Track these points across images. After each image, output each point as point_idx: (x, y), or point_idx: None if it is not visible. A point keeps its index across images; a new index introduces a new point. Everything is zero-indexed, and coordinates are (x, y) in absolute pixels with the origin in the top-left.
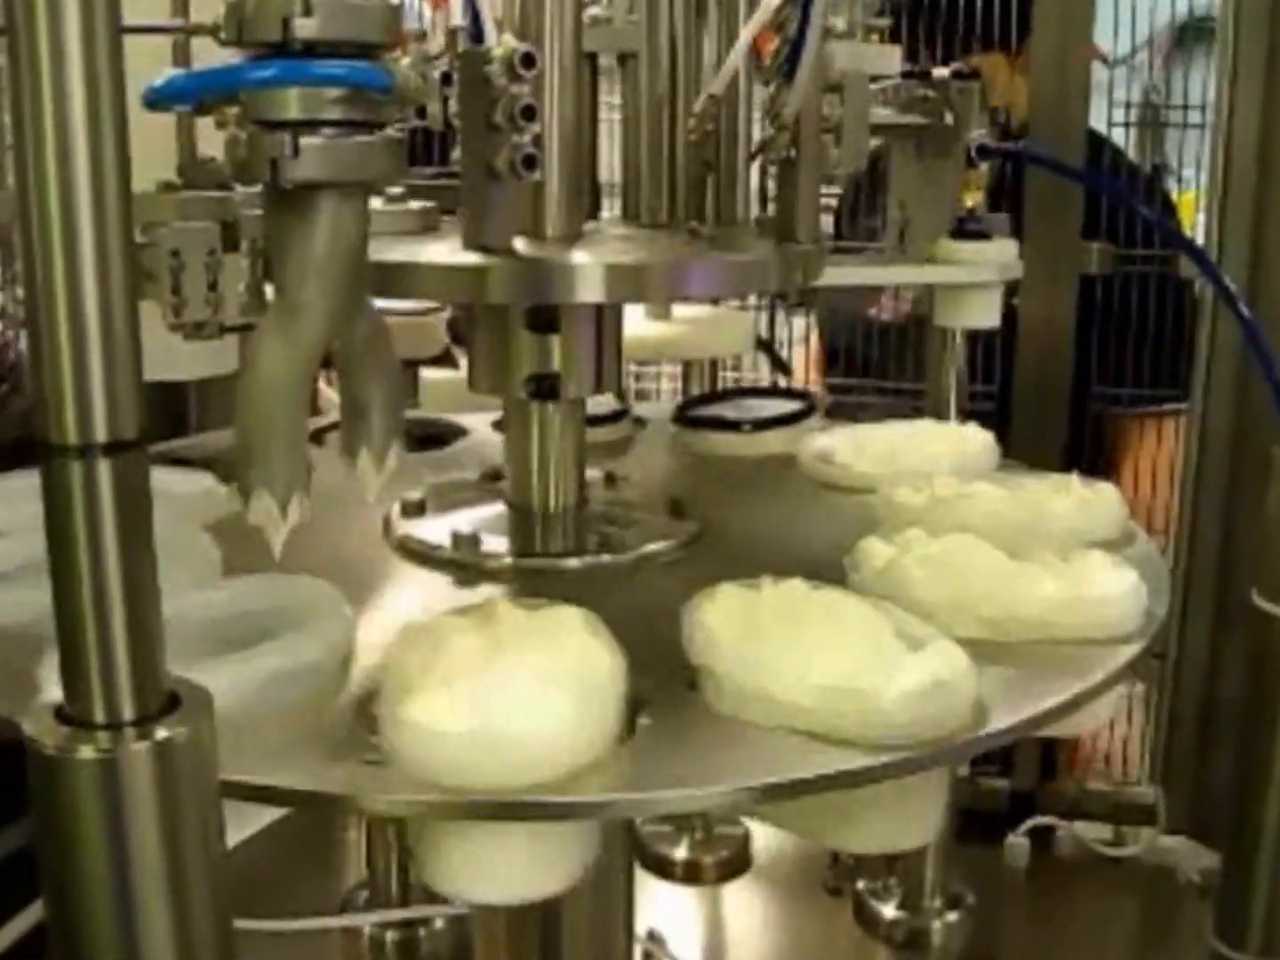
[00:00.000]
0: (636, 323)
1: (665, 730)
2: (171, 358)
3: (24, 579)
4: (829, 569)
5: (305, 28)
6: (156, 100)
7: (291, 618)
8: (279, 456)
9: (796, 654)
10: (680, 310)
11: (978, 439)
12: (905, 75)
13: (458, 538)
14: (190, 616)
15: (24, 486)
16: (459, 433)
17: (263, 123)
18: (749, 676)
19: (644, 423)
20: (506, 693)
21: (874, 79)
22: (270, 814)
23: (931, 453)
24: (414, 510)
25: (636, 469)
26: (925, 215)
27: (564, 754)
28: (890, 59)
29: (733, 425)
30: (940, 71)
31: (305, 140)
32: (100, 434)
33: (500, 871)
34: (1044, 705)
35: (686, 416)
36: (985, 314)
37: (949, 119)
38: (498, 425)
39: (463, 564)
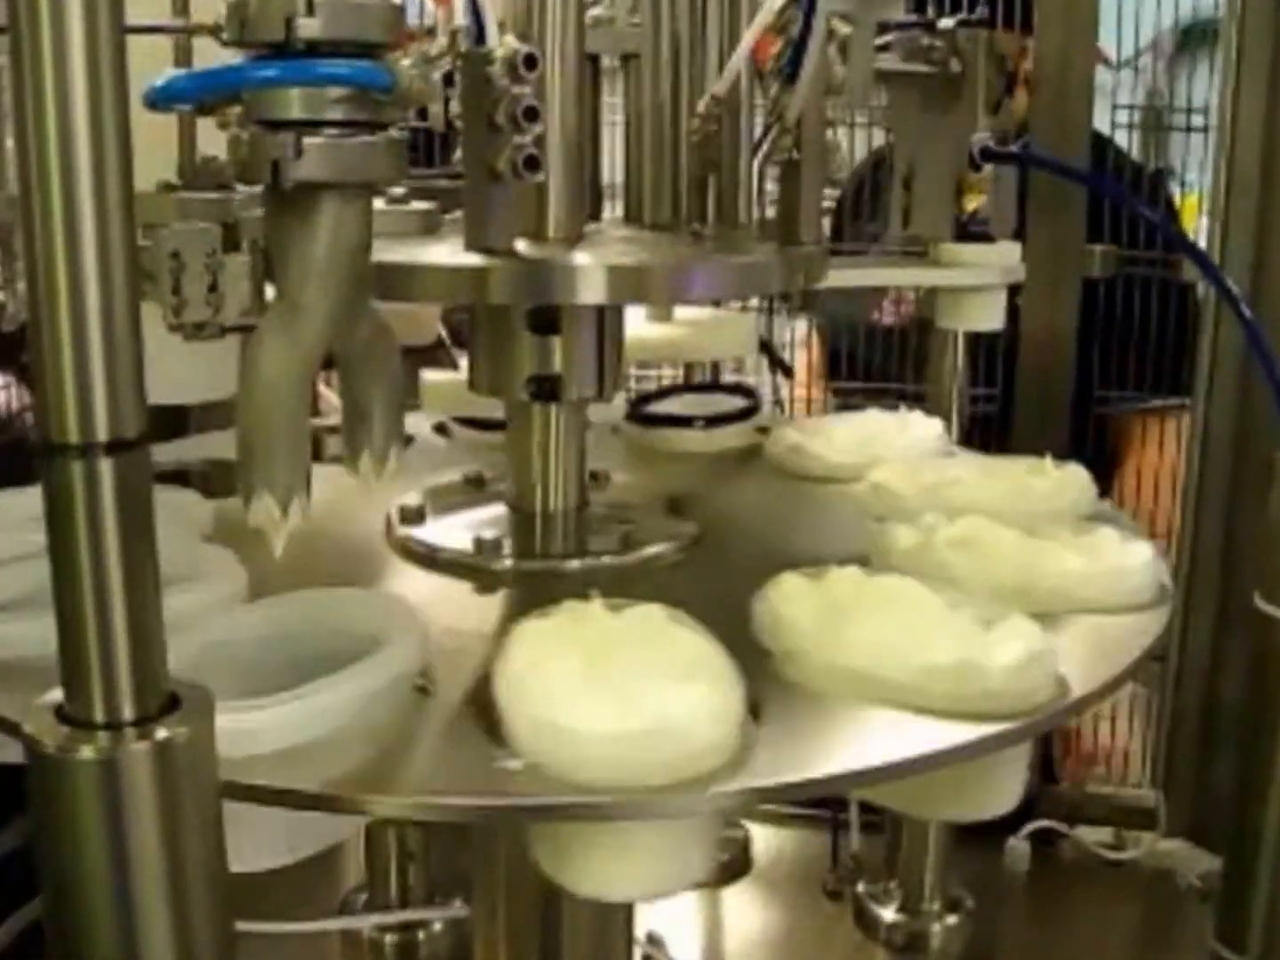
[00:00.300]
0: (638, 324)
1: (780, 715)
2: (176, 380)
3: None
4: (842, 555)
5: (308, 27)
6: (158, 101)
7: (368, 632)
8: (280, 457)
9: (890, 634)
10: (682, 312)
11: (930, 426)
12: (911, 25)
13: (481, 543)
14: (257, 634)
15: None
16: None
17: (265, 123)
18: (843, 658)
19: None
20: (659, 691)
21: (881, 29)
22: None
23: (893, 441)
24: (414, 515)
25: (606, 468)
26: (930, 177)
27: (716, 747)
28: (895, 3)
29: (686, 422)
30: (946, 22)
31: (307, 141)
32: (102, 433)
33: (655, 867)
34: (1117, 669)
35: (640, 414)
36: (988, 316)
37: (955, 67)
38: (439, 429)
39: (476, 569)
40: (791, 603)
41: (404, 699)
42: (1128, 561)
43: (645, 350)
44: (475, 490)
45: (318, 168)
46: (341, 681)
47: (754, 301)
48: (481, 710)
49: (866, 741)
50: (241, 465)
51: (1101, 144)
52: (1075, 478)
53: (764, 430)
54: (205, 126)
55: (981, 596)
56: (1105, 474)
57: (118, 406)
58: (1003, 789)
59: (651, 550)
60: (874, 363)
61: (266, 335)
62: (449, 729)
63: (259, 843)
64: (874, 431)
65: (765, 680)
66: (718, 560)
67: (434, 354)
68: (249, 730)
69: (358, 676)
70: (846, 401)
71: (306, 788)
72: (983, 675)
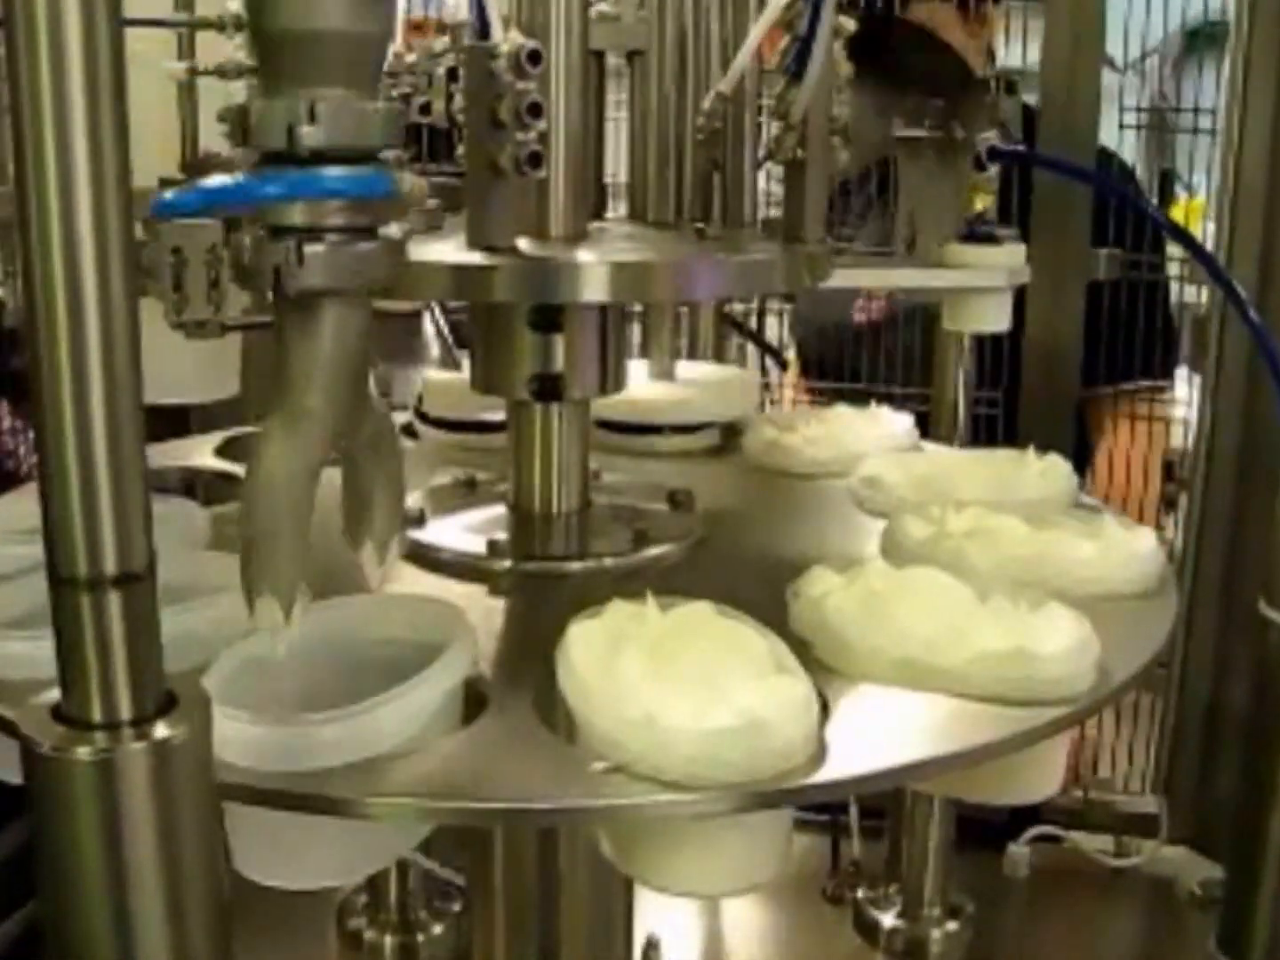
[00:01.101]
0: (639, 385)
1: (838, 704)
2: (177, 381)
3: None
4: (845, 548)
5: (311, 136)
6: (162, 213)
7: (427, 636)
8: (284, 560)
9: (937, 623)
10: (684, 371)
11: (900, 421)
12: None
13: (494, 545)
14: (302, 643)
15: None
16: None
17: (268, 229)
18: (892, 647)
19: None
20: (745, 686)
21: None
22: None
23: (866, 435)
24: (415, 518)
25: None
26: (933, 226)
27: (803, 739)
28: None
29: (654, 430)
30: None
31: (309, 248)
32: (110, 567)
33: (745, 860)
34: (1149, 653)
35: (603, 421)
36: (994, 318)
37: (958, 133)
38: (407, 430)
39: (487, 571)
40: (832, 594)
41: (462, 704)
42: (1137, 547)
43: (646, 412)
44: (470, 492)
45: (320, 276)
46: (409, 691)
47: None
48: (540, 711)
49: (935, 728)
50: (245, 566)
51: (1107, 158)
52: (1058, 468)
53: (732, 430)
54: (206, 122)
55: (1001, 585)
56: (1080, 465)
57: (126, 539)
58: (1050, 771)
59: (656, 550)
60: (849, 362)
61: (271, 440)
62: (511, 732)
63: (322, 860)
64: (846, 427)
65: (811, 671)
66: (722, 558)
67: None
68: (318, 744)
69: (425, 684)
70: (817, 400)
71: (395, 799)
72: (1034, 661)
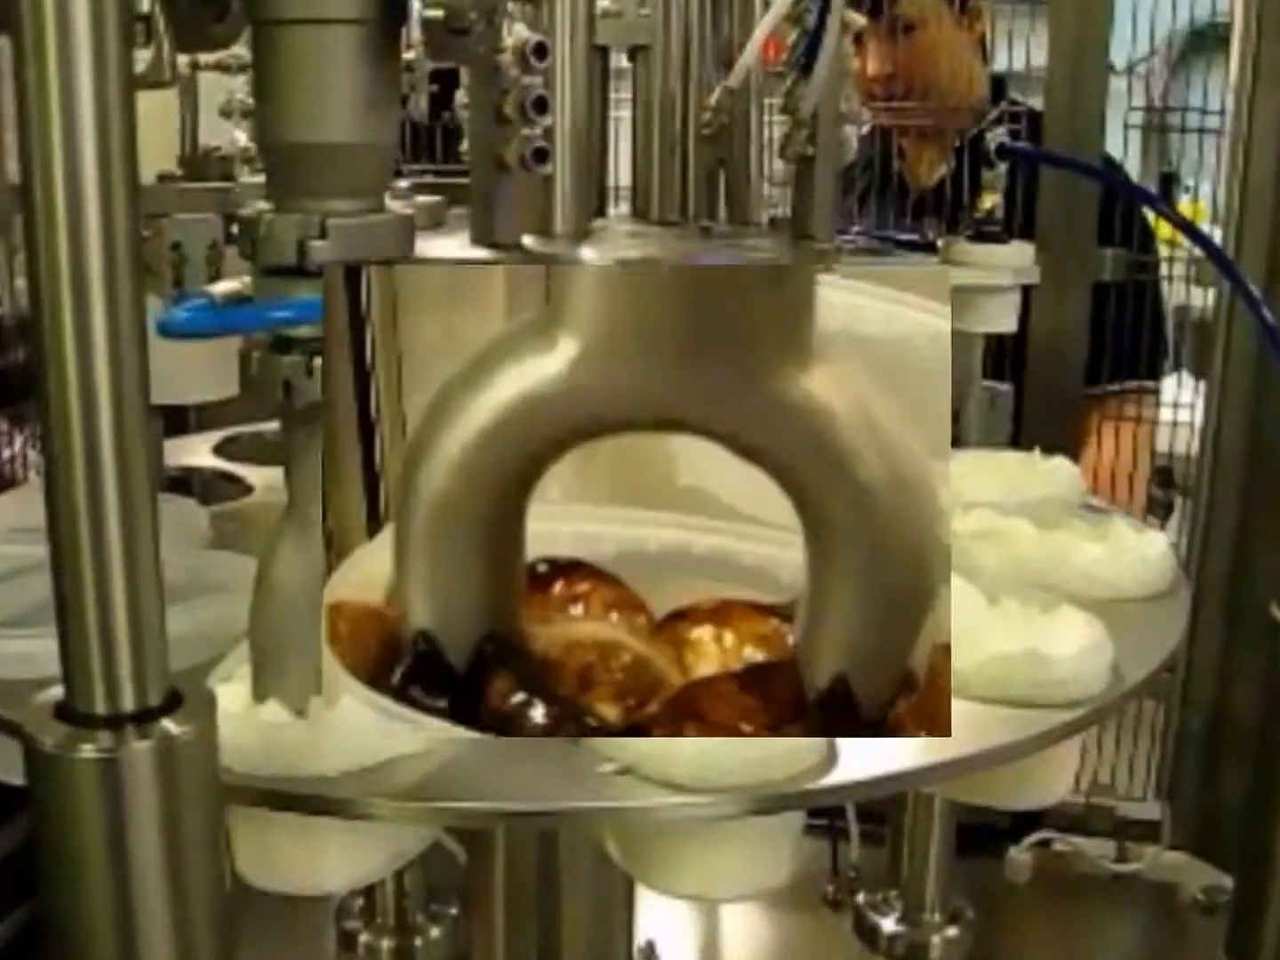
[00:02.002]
0: None
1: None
2: (180, 381)
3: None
4: None
5: (320, 250)
6: (177, 331)
7: None
8: (294, 665)
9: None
10: None
11: None
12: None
13: None
14: None
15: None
16: None
17: (275, 339)
18: None
19: None
20: None
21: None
22: None
23: None
24: None
25: None
26: None
27: (814, 740)
28: None
29: None
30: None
31: (318, 361)
32: (128, 704)
33: (754, 863)
34: (1161, 655)
35: None
36: (1001, 318)
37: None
38: None
39: None
40: None
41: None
42: (1148, 550)
43: None
44: None
45: None
46: None
47: None
48: None
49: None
50: (256, 671)
51: (1114, 167)
52: (1064, 470)
53: None
54: (206, 117)
55: (1011, 587)
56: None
57: (142, 675)
58: (1062, 774)
59: None
60: None
61: (280, 547)
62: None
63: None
64: None
65: None
66: None
67: None
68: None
69: None
70: None
71: (399, 801)
72: (1048, 664)
